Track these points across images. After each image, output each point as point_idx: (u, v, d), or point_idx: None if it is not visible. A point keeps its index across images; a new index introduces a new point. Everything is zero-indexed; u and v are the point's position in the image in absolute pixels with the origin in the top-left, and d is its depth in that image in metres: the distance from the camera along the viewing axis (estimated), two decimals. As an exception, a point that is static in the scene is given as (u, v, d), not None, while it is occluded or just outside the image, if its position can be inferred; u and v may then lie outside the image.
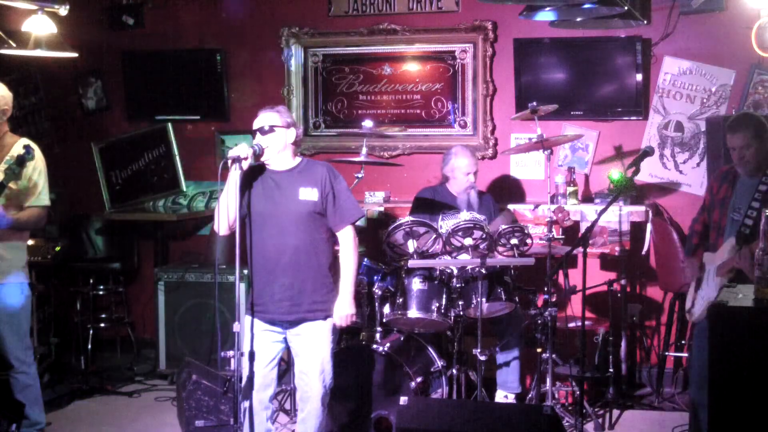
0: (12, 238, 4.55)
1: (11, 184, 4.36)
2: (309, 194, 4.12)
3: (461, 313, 4.90)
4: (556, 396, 5.16)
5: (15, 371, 4.60)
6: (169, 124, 6.77)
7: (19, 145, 4.53)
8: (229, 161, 3.99)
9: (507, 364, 5.32)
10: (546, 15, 4.82)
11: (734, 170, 4.49)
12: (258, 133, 4.11)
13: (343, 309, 4.16)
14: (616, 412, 5.33)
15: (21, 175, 4.39)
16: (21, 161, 4.33)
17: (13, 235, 4.55)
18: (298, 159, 4.24)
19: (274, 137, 4.10)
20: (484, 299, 4.81)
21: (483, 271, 4.72)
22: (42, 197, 4.59)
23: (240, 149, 4.00)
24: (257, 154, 4.07)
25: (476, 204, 5.46)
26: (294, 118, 4.33)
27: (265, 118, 4.14)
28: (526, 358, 5.34)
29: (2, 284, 4.54)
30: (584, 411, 5.03)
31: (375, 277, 5.08)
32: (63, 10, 4.89)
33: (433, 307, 4.86)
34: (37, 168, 4.52)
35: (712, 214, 4.55)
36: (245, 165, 4.03)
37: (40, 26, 4.95)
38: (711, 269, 4.45)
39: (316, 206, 4.12)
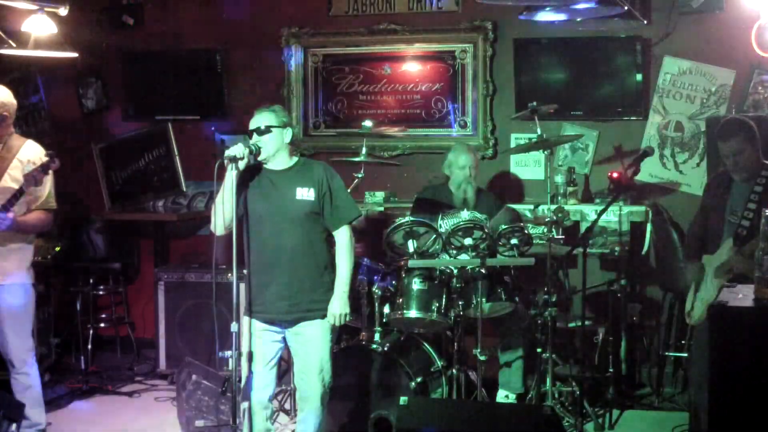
0: (17, 239, 4.56)
1: (31, 189, 4.38)
2: (306, 194, 4.11)
3: (461, 313, 4.90)
4: (556, 396, 5.16)
5: (17, 372, 4.60)
6: (169, 124, 6.76)
7: (27, 149, 4.54)
8: (226, 161, 3.99)
9: (511, 363, 5.31)
10: (546, 15, 4.82)
11: (730, 174, 4.50)
12: (254, 133, 4.11)
13: (338, 308, 4.15)
14: (616, 412, 5.33)
15: (42, 181, 4.40)
16: (46, 168, 4.35)
17: (19, 236, 4.55)
18: (295, 158, 4.24)
19: (271, 137, 4.10)
20: (484, 299, 4.81)
21: (483, 271, 4.72)
22: (49, 201, 4.60)
23: (236, 149, 4.00)
24: (254, 154, 4.07)
25: (473, 201, 5.47)
26: (290, 118, 4.32)
27: (260, 117, 4.13)
28: (528, 358, 5.34)
29: (7, 285, 4.55)
30: (584, 411, 5.04)
31: (375, 277, 5.07)
32: (63, 10, 4.90)
33: (433, 307, 4.86)
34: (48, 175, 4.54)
35: (710, 217, 4.57)
36: (242, 165, 4.03)
37: (40, 26, 4.96)
38: (710, 271, 4.46)
39: (313, 206, 4.12)
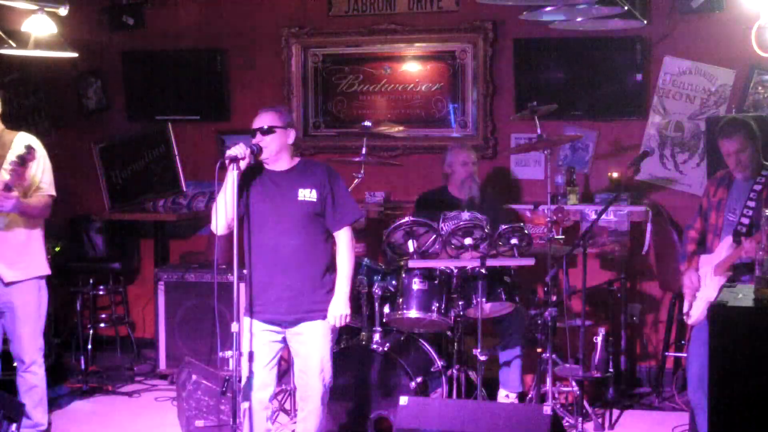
0: (29, 232, 4.56)
1: (18, 184, 4.39)
2: (308, 195, 4.11)
3: (461, 313, 4.90)
4: (556, 396, 5.16)
5: (25, 369, 4.61)
6: (169, 124, 6.75)
7: (19, 141, 4.55)
8: (227, 161, 4.00)
9: (509, 363, 5.31)
10: (546, 15, 4.81)
11: (730, 174, 4.52)
12: (258, 132, 4.11)
13: (338, 309, 4.15)
14: (616, 412, 5.34)
15: (25, 175, 4.40)
16: (23, 160, 4.34)
17: (30, 227, 4.55)
18: (297, 159, 4.24)
19: (274, 138, 4.09)
20: (484, 299, 4.81)
21: (483, 271, 4.72)
22: (45, 187, 4.58)
23: (237, 149, 4.00)
24: (255, 154, 4.08)
25: (479, 200, 5.48)
26: (293, 118, 4.32)
27: (264, 117, 4.13)
28: (527, 357, 5.34)
29: (22, 281, 4.55)
30: (584, 411, 5.04)
31: (375, 277, 5.07)
32: (63, 10, 4.89)
33: (433, 307, 4.86)
34: (39, 162, 4.53)
35: (709, 217, 4.58)
36: (243, 165, 4.03)
37: (40, 26, 4.95)
38: (709, 269, 4.46)
39: (314, 207, 4.12)
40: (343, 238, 4.20)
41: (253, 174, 4.18)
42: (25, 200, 4.48)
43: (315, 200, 4.12)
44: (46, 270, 4.68)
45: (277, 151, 4.13)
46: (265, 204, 4.13)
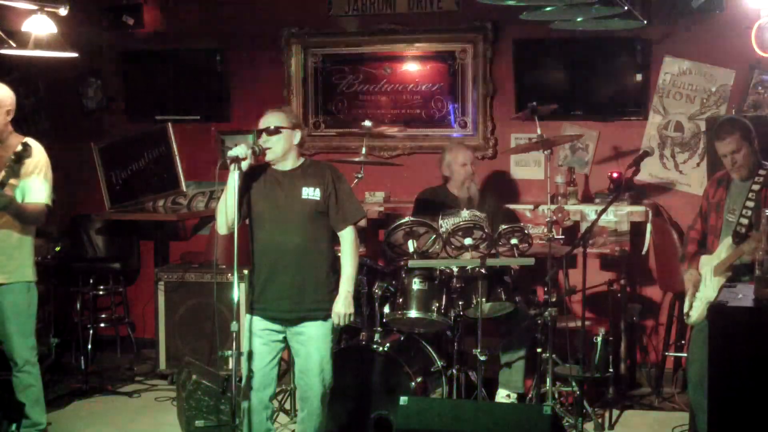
0: (19, 235, 4.55)
1: (12, 181, 4.37)
2: (312, 193, 4.12)
3: (461, 313, 4.90)
4: (556, 396, 5.16)
5: (19, 370, 4.60)
6: (169, 124, 6.75)
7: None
8: (228, 161, 4.00)
9: (511, 363, 5.30)
10: (546, 15, 4.81)
11: (728, 175, 4.52)
12: (264, 133, 4.11)
13: (342, 308, 4.15)
14: (616, 412, 5.33)
15: (20, 172, 4.39)
16: (18, 158, 4.34)
17: (21, 232, 4.55)
18: (302, 159, 4.25)
19: (280, 138, 4.10)
20: (484, 299, 4.81)
21: (483, 271, 4.72)
22: (40, 194, 4.56)
23: (239, 149, 4.01)
24: (257, 155, 4.08)
25: (477, 200, 5.47)
26: (300, 119, 4.32)
27: (270, 118, 4.13)
28: (530, 358, 5.34)
29: (10, 283, 4.55)
30: (584, 411, 5.04)
31: (375, 277, 5.07)
32: (63, 10, 4.90)
33: (433, 307, 4.86)
34: (37, 166, 4.52)
35: (709, 218, 4.59)
36: (245, 165, 4.03)
37: (40, 26, 4.96)
38: (708, 270, 4.46)
39: (318, 205, 4.12)
40: (347, 237, 4.20)
41: (258, 172, 4.19)
42: (20, 203, 4.47)
43: (319, 198, 4.12)
44: (33, 277, 4.66)
45: (283, 153, 4.13)
46: (270, 202, 4.14)
